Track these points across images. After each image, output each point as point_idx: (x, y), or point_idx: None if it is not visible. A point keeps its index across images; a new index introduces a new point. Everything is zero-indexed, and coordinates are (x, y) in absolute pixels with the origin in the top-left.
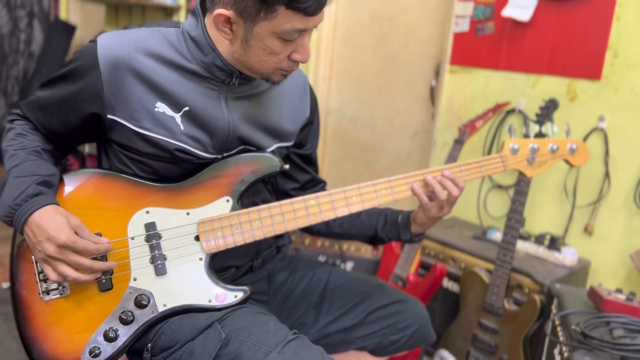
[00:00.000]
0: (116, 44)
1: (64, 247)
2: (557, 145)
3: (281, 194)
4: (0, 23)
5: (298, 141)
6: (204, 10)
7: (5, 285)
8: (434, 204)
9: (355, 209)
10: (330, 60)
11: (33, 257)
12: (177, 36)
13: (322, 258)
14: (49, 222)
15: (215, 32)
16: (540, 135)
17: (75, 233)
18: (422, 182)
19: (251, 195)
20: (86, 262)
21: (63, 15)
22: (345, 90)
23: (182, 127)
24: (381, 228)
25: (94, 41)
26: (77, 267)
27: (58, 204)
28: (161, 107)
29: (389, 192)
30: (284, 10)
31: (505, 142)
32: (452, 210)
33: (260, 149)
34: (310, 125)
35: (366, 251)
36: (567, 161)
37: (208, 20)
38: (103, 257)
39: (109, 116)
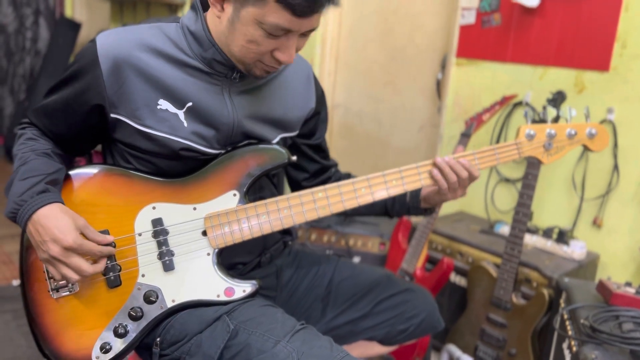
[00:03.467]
0: (116, 42)
1: (69, 249)
2: (575, 130)
3: (294, 185)
4: (7, 21)
5: (306, 131)
6: (204, 5)
7: (16, 282)
8: (447, 188)
9: (363, 201)
10: (335, 54)
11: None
12: (177, 31)
13: (328, 253)
14: (55, 223)
15: (213, 17)
16: (557, 119)
17: (82, 233)
18: (434, 167)
19: (257, 191)
20: (88, 269)
21: (68, 12)
22: (351, 84)
23: (185, 124)
24: (390, 207)
25: (93, 41)
26: (78, 271)
27: (63, 202)
28: (164, 105)
29: (399, 182)
30: (272, 2)
31: (521, 127)
32: (466, 192)
33: (264, 141)
34: (318, 115)
35: (373, 246)
36: (585, 146)
37: (208, 15)
38: (112, 255)
39: (112, 115)
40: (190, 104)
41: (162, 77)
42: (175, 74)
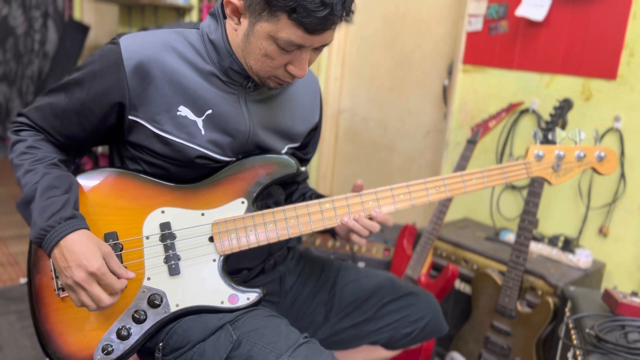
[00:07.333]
0: (141, 45)
1: (92, 275)
2: (584, 152)
3: None
4: (16, 23)
5: (303, 144)
6: (225, 13)
7: (23, 280)
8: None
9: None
10: (342, 60)
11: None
12: (198, 38)
13: (332, 258)
14: (82, 248)
15: (230, 28)
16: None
17: (105, 260)
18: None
19: (264, 197)
20: (107, 300)
21: (77, 15)
22: (357, 89)
23: (203, 132)
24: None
25: (115, 43)
26: (97, 301)
27: (89, 229)
28: (183, 111)
29: (406, 197)
30: (285, 19)
31: (529, 148)
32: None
33: (274, 150)
34: (315, 130)
35: (377, 252)
36: (594, 169)
37: (227, 24)
38: (119, 257)
39: (130, 117)
40: (209, 111)
41: (186, 82)
42: (197, 81)
